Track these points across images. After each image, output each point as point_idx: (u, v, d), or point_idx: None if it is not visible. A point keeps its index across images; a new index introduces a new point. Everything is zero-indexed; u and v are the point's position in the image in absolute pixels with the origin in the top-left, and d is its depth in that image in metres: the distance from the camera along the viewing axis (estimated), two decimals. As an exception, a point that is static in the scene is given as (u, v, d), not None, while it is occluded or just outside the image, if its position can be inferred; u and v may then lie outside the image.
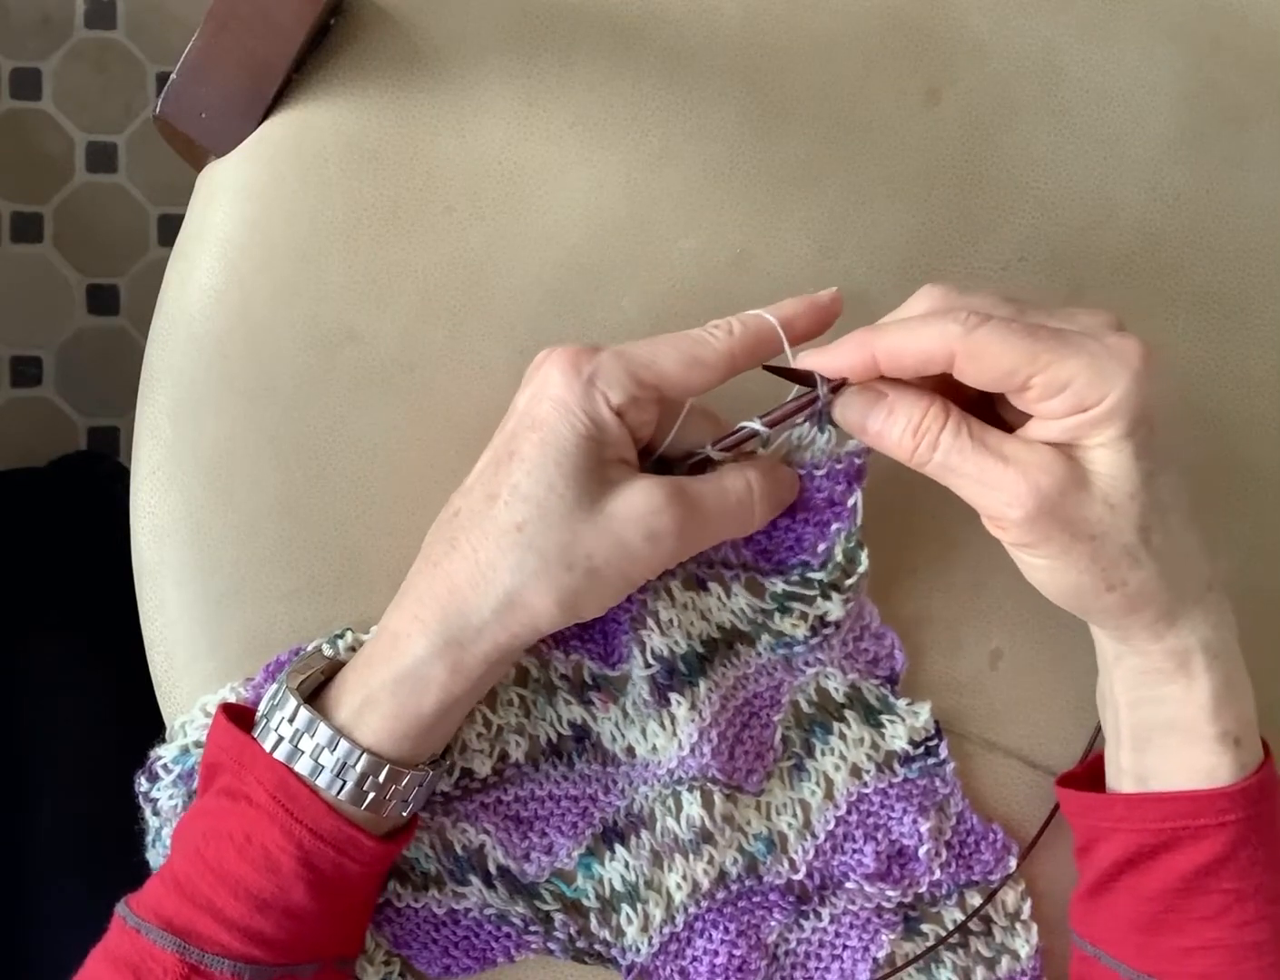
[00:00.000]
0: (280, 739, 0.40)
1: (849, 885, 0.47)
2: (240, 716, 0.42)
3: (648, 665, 0.44)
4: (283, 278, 0.47)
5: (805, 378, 0.41)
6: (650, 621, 0.44)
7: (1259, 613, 0.52)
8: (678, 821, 0.46)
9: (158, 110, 0.47)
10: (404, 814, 0.42)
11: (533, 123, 0.48)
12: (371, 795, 0.40)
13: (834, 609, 0.46)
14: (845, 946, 0.48)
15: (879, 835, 0.48)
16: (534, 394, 0.41)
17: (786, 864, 0.47)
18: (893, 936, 0.48)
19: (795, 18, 0.50)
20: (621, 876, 0.46)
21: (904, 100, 0.51)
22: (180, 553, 0.47)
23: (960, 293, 0.41)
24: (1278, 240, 0.53)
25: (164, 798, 0.46)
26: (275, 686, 0.42)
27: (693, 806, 0.45)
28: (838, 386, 0.41)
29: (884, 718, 0.48)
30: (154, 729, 0.47)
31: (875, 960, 0.48)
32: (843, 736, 0.48)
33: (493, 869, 0.46)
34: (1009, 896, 0.49)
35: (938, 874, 0.48)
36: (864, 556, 0.46)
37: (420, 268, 0.48)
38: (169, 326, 0.48)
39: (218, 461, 0.46)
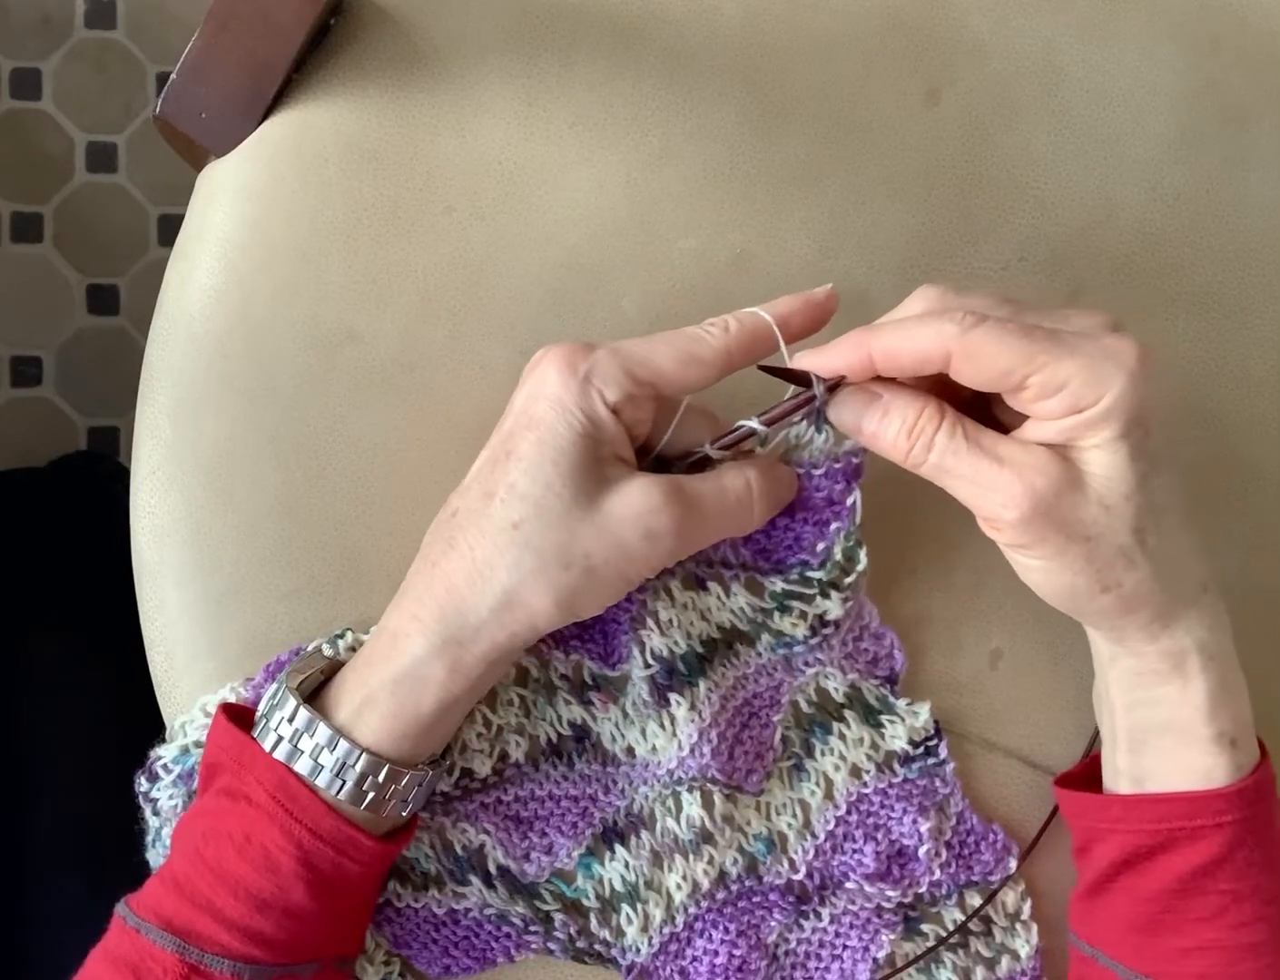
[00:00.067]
0: (280, 739, 0.40)
1: (849, 885, 0.47)
2: (240, 716, 0.42)
3: (647, 665, 0.44)
4: (283, 278, 0.47)
5: (802, 378, 0.41)
6: (650, 621, 0.44)
7: (1259, 613, 0.52)
8: (678, 822, 0.46)
9: (158, 110, 0.47)
10: (404, 814, 0.42)
11: (533, 123, 0.48)
12: (371, 795, 0.40)
13: (833, 608, 0.46)
14: (845, 946, 0.48)
15: (879, 835, 0.48)
16: (530, 393, 0.41)
17: (786, 864, 0.47)
18: (893, 936, 0.48)
19: (795, 18, 0.50)
20: (621, 876, 0.46)
21: (904, 100, 0.51)
22: (180, 553, 0.47)
23: (957, 293, 0.41)
24: (1278, 240, 0.53)
25: (164, 798, 0.46)
26: (275, 686, 0.42)
27: (693, 807, 0.45)
28: (834, 386, 0.41)
29: (884, 718, 0.48)
30: (154, 729, 0.47)
31: (875, 960, 0.48)
32: (842, 737, 0.48)
33: (493, 869, 0.46)
34: (1009, 897, 0.49)
35: (938, 874, 0.48)
36: (863, 555, 0.46)
37: (420, 268, 0.48)
38: (169, 326, 0.48)
39: (218, 461, 0.46)
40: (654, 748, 0.46)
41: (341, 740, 0.40)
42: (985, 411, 0.42)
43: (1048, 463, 0.39)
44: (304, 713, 0.40)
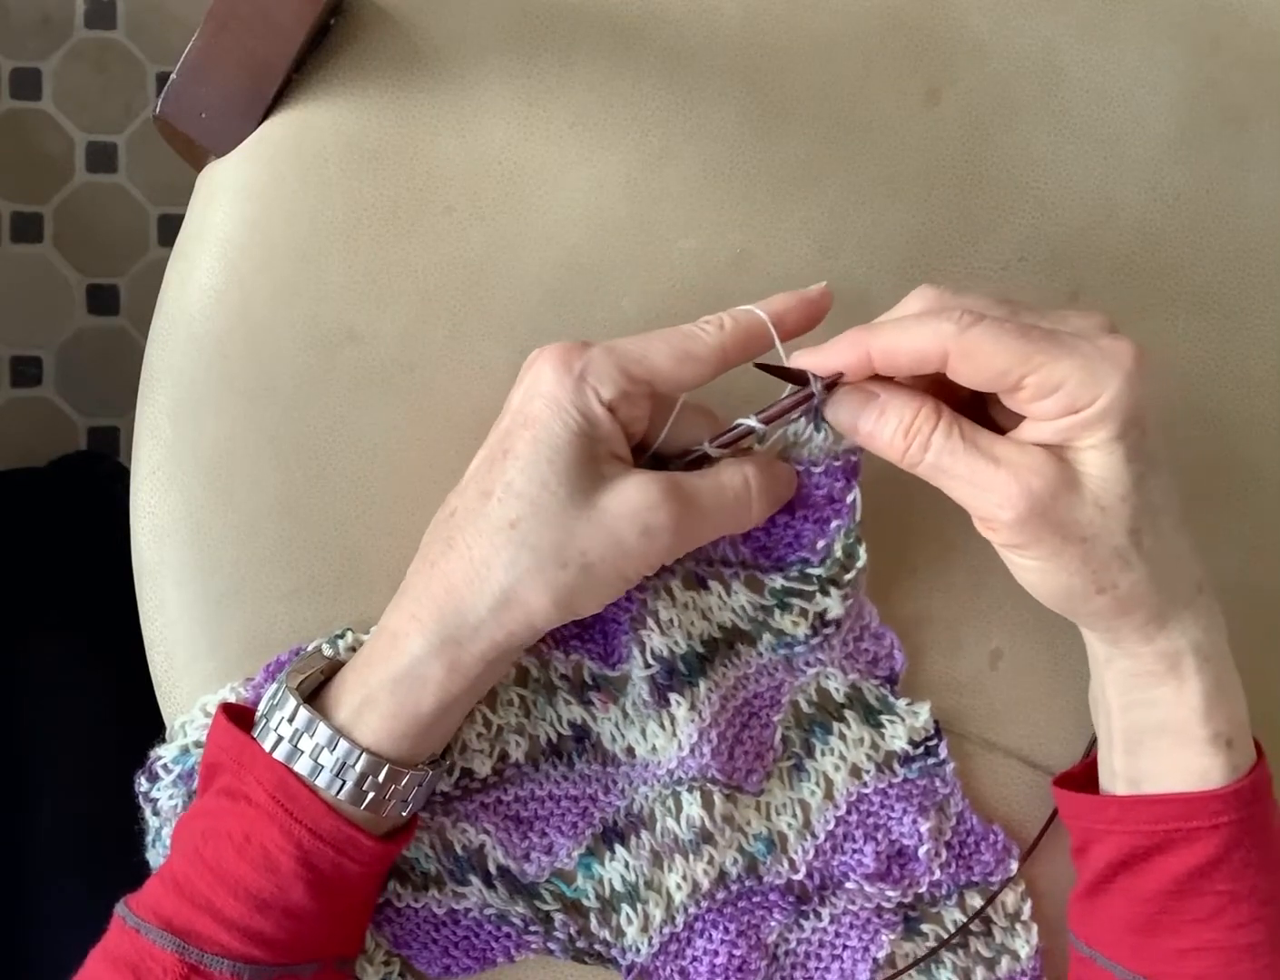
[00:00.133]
0: (280, 739, 0.40)
1: (849, 885, 0.47)
2: (240, 716, 0.42)
3: (647, 665, 0.44)
4: (283, 278, 0.47)
5: (799, 377, 0.41)
6: (650, 621, 0.44)
7: (1259, 613, 0.52)
8: (678, 822, 0.46)
9: (158, 110, 0.47)
10: (403, 814, 0.42)
11: (533, 123, 0.48)
12: (371, 795, 0.40)
13: (833, 605, 0.46)
14: (845, 946, 0.48)
15: (879, 835, 0.48)
16: (526, 392, 0.41)
17: (786, 864, 0.47)
18: (893, 937, 0.48)
19: (795, 18, 0.50)
20: (621, 876, 0.46)
21: (904, 100, 0.51)
22: (180, 553, 0.47)
23: (955, 293, 0.41)
24: (1278, 240, 0.53)
25: (164, 798, 0.46)
26: (275, 686, 0.42)
27: (693, 807, 0.45)
28: (831, 384, 0.41)
29: (884, 718, 0.48)
30: (154, 729, 0.47)
31: (875, 960, 0.48)
32: (842, 737, 0.48)
33: (493, 869, 0.46)
34: (1009, 897, 0.49)
35: (938, 874, 0.48)
36: (862, 551, 0.46)
37: (420, 268, 0.48)
38: (169, 326, 0.48)
39: (218, 461, 0.46)
40: (654, 748, 0.46)
41: (341, 740, 0.40)
42: (981, 412, 0.42)
43: (1044, 463, 0.39)
44: (304, 713, 0.40)
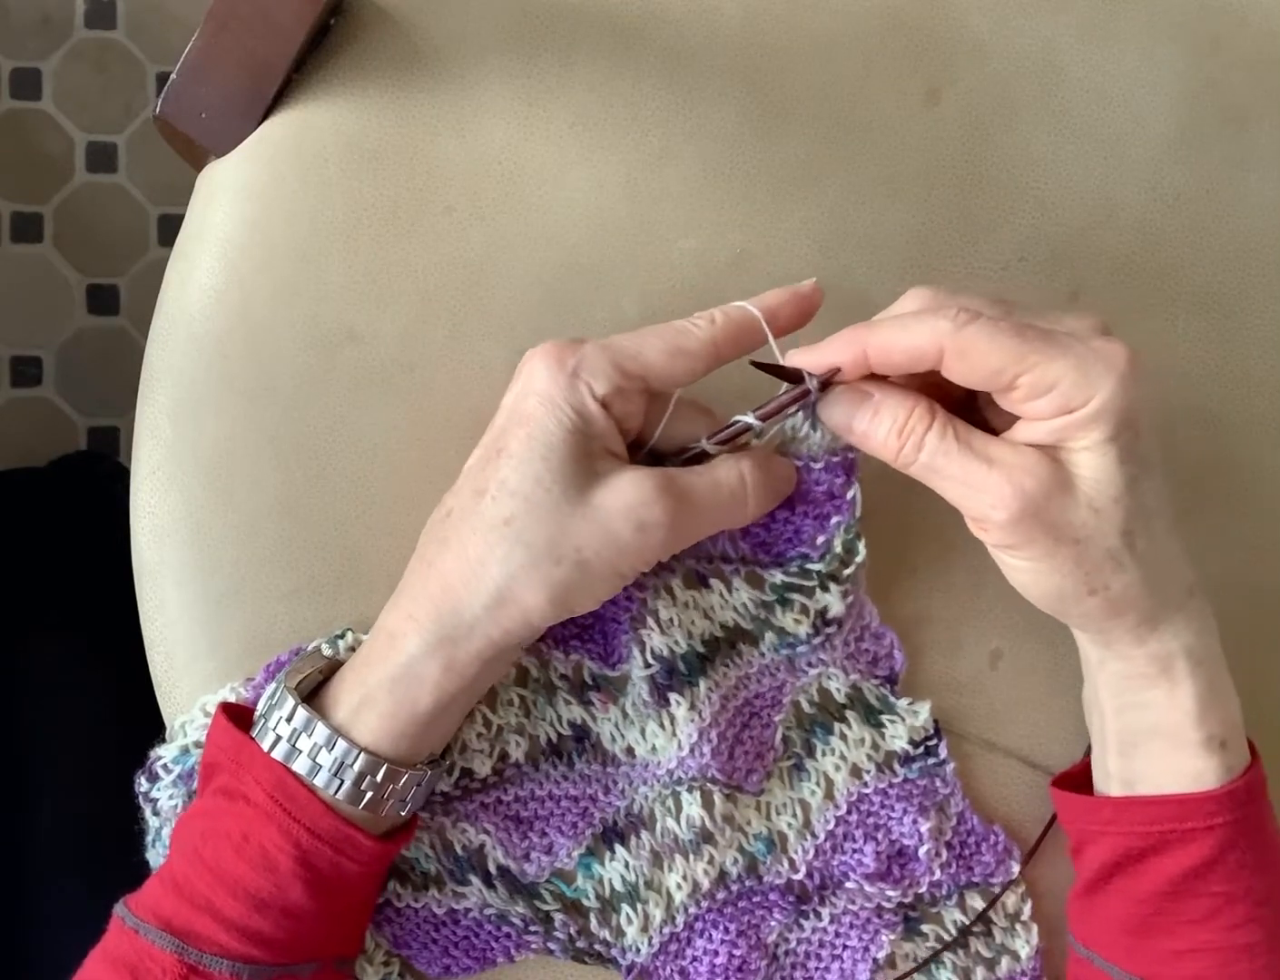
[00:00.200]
0: (278, 738, 0.40)
1: (849, 885, 0.47)
2: (240, 716, 0.42)
3: (647, 665, 0.44)
4: (283, 278, 0.47)
5: (795, 376, 0.41)
6: (650, 620, 0.44)
7: (1259, 613, 0.52)
8: (678, 822, 0.46)
9: (158, 110, 0.47)
10: (402, 813, 0.42)
11: (533, 123, 0.48)
12: (369, 794, 0.40)
13: (833, 602, 0.46)
14: (845, 946, 0.48)
15: (879, 835, 0.48)
16: (520, 390, 0.41)
17: (786, 864, 0.47)
18: (893, 937, 0.48)
19: (795, 18, 0.50)
20: (621, 876, 0.46)
21: (904, 100, 0.51)
22: (180, 553, 0.47)
23: (949, 294, 0.41)
24: (1278, 240, 0.53)
25: (164, 798, 0.46)
26: (273, 686, 0.42)
27: (693, 806, 0.45)
28: (827, 382, 0.41)
29: (884, 717, 0.48)
30: (154, 729, 0.47)
31: (875, 960, 0.48)
32: (843, 737, 0.48)
33: (493, 869, 0.46)
34: (1009, 897, 0.49)
35: (938, 874, 0.48)
36: (861, 547, 0.46)
37: (420, 268, 0.48)
38: (169, 326, 0.48)
39: (218, 461, 0.46)
40: (654, 748, 0.46)
41: (340, 740, 0.40)
42: (974, 414, 0.42)
43: (1037, 464, 0.39)
44: (302, 712, 0.40)
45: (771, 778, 0.47)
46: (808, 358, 0.41)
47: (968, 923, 0.48)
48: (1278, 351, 0.53)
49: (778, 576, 0.46)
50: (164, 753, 0.46)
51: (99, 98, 1.11)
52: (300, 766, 0.40)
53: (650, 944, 0.47)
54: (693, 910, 0.47)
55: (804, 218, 0.50)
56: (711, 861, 0.46)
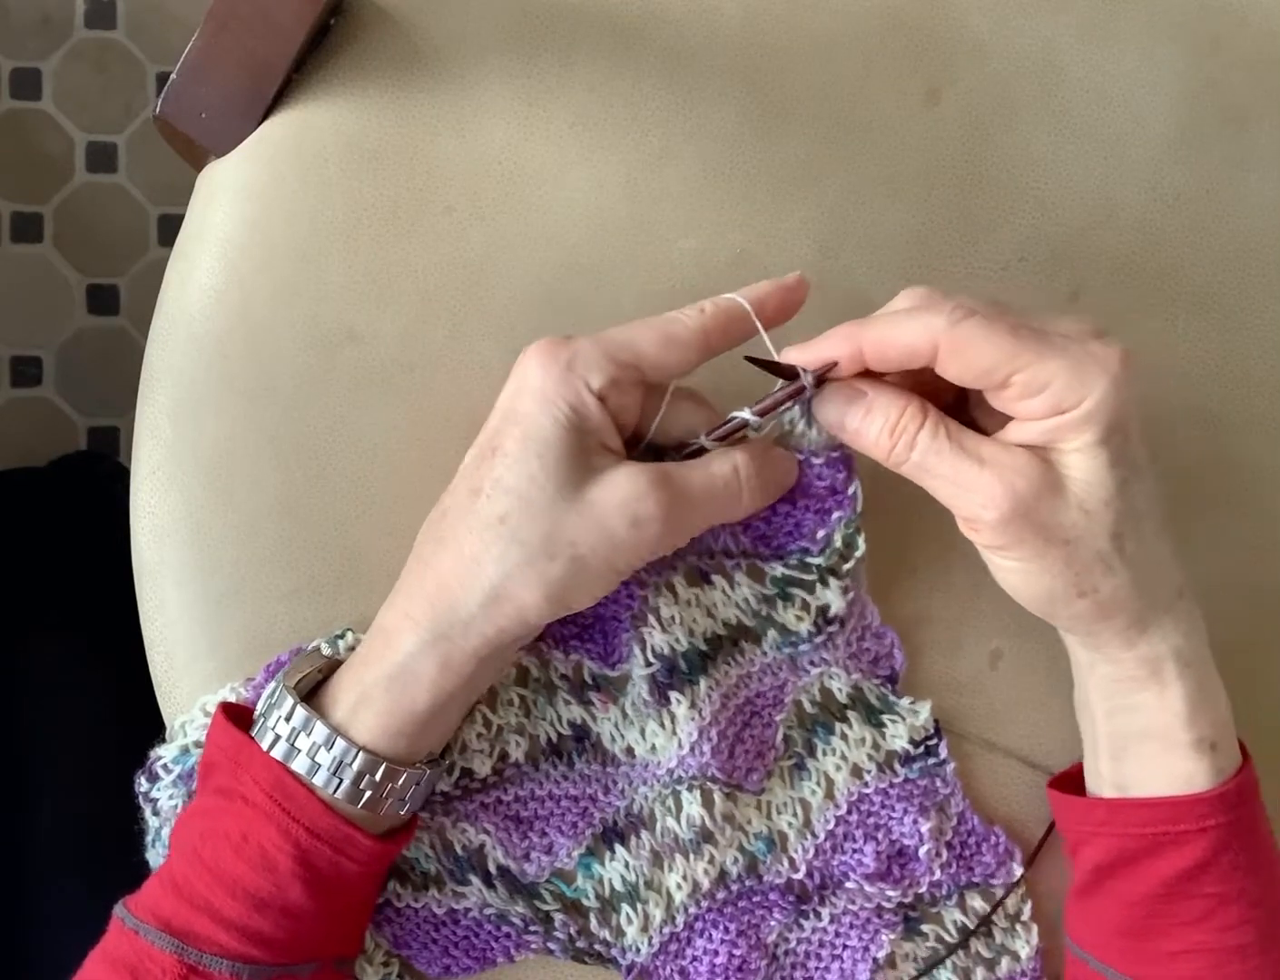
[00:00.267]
0: (277, 737, 0.40)
1: (849, 885, 0.47)
2: (240, 716, 0.42)
3: (648, 663, 0.44)
4: (283, 278, 0.47)
5: (790, 372, 0.41)
6: (651, 618, 0.44)
7: (1259, 613, 0.52)
8: (678, 821, 0.46)
9: (158, 110, 0.47)
10: (401, 813, 0.42)
11: (533, 123, 0.48)
12: (368, 793, 0.40)
13: (834, 599, 0.46)
14: (845, 946, 0.48)
15: (879, 835, 0.48)
16: (514, 388, 0.41)
17: (786, 863, 0.47)
18: (893, 936, 0.48)
19: (795, 18, 0.50)
20: (621, 876, 0.46)
21: (904, 100, 0.51)
22: (180, 553, 0.47)
23: (944, 294, 0.41)
24: (1278, 240, 0.53)
25: (164, 798, 0.46)
26: (273, 685, 0.42)
27: (693, 806, 0.45)
28: (822, 379, 0.41)
29: (885, 717, 0.48)
30: (154, 729, 0.47)
31: (875, 960, 0.48)
32: (844, 737, 0.48)
33: (493, 869, 0.46)
34: (1009, 898, 0.49)
35: (938, 874, 0.48)
36: (861, 541, 0.46)
37: (420, 268, 0.48)
38: (169, 326, 0.48)
39: (218, 461, 0.46)
40: (654, 747, 0.46)
41: (338, 739, 0.40)
42: (965, 417, 0.42)
43: (1028, 465, 0.39)
44: (301, 711, 0.40)
45: (772, 777, 0.47)
46: (803, 354, 0.41)
47: (970, 924, 0.48)
48: (1278, 351, 0.53)
49: (778, 569, 0.46)
50: (164, 753, 0.46)
51: (99, 98, 1.11)
52: (299, 766, 0.40)
53: (650, 944, 0.47)
54: (693, 910, 0.47)
55: (804, 218, 0.50)
56: (712, 861, 0.46)
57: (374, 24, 0.48)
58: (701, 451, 0.43)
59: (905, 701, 0.48)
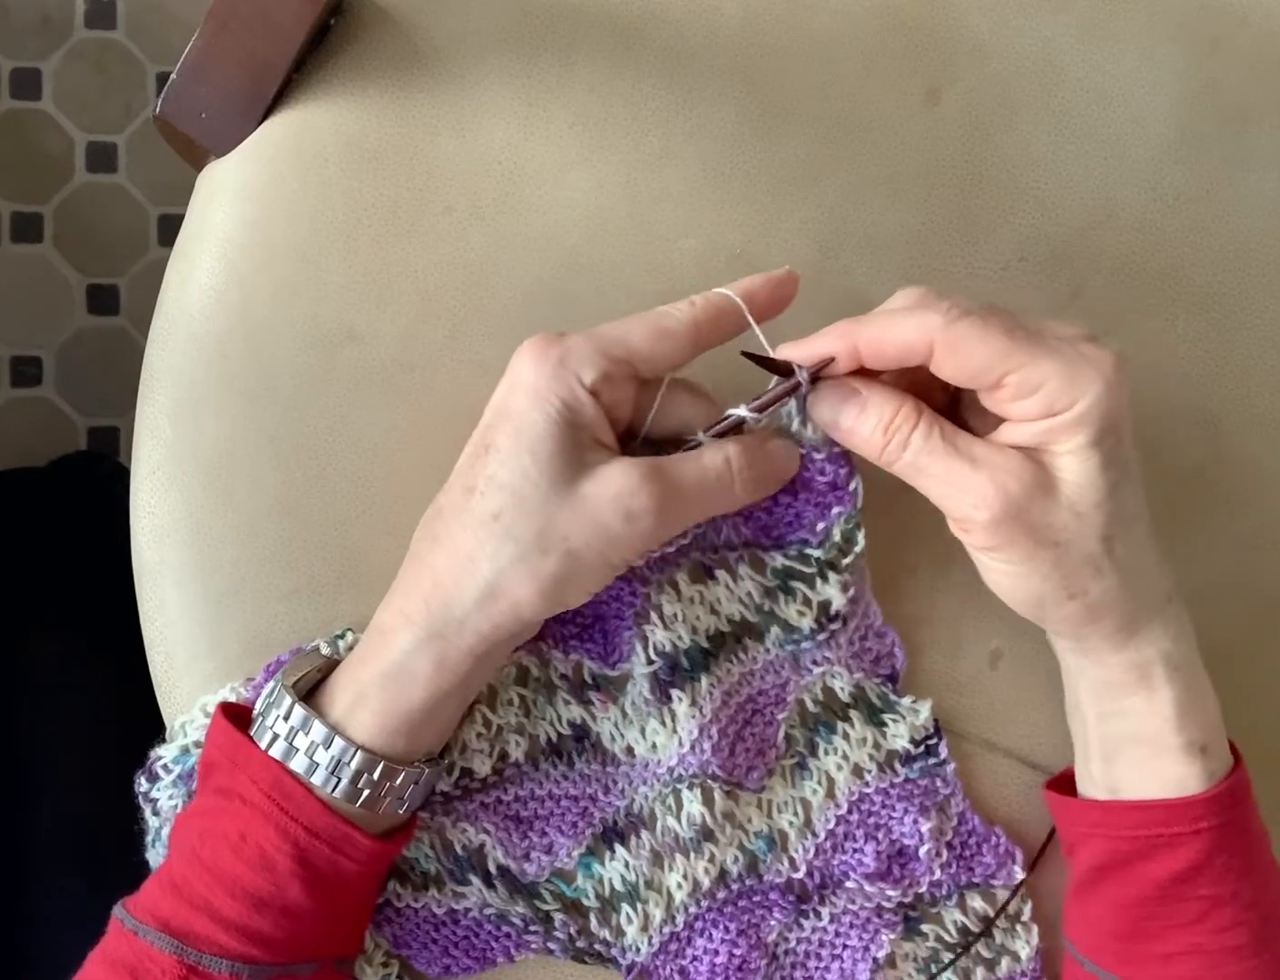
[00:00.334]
0: (276, 736, 0.40)
1: (849, 885, 0.47)
2: (239, 716, 0.42)
3: (650, 661, 0.44)
4: (283, 278, 0.47)
5: (786, 369, 0.42)
6: (654, 616, 0.44)
7: (1259, 613, 0.52)
8: (678, 820, 0.46)
9: (158, 110, 0.47)
10: (400, 812, 0.42)
11: (533, 123, 0.48)
12: (366, 792, 0.40)
13: (834, 595, 0.46)
14: (845, 946, 0.48)
15: (879, 835, 0.48)
16: (507, 386, 0.41)
17: (787, 862, 0.47)
18: (893, 936, 0.48)
19: (795, 18, 0.50)
20: (621, 876, 0.46)
21: (904, 100, 0.51)
22: (180, 553, 0.47)
23: (938, 295, 0.41)
24: (1278, 240, 0.53)
25: (164, 798, 0.46)
26: (271, 684, 0.42)
27: (693, 804, 0.45)
28: (817, 376, 0.41)
29: (886, 716, 0.48)
30: (154, 729, 0.47)
31: (875, 960, 0.48)
32: (846, 736, 0.48)
33: (493, 869, 0.46)
34: (1007, 896, 0.49)
35: (938, 874, 0.48)
36: (861, 537, 0.46)
37: (420, 268, 0.48)
38: (169, 326, 0.48)
39: (218, 461, 0.46)
40: (654, 745, 0.46)
41: (336, 737, 0.40)
42: (957, 419, 0.42)
43: (1020, 466, 0.39)
44: (299, 710, 0.40)
45: (773, 775, 0.47)
46: (799, 351, 0.41)
47: (970, 924, 0.48)
48: (1278, 351, 0.53)
49: (778, 560, 0.46)
50: (164, 753, 0.46)
51: (99, 98, 1.11)
52: (297, 765, 0.40)
53: (650, 943, 0.47)
54: (693, 909, 0.47)
55: (804, 218, 0.50)
56: (712, 859, 0.46)
57: (374, 24, 0.48)
58: (699, 448, 0.43)
59: (906, 701, 0.48)
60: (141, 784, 0.46)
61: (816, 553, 0.46)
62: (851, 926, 0.48)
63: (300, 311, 0.47)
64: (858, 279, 0.50)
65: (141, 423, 0.48)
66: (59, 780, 0.65)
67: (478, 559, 0.39)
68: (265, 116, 0.47)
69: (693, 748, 0.45)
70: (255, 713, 0.42)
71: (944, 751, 0.48)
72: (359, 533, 0.47)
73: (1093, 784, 0.44)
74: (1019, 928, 0.49)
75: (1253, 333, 0.53)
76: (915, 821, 0.47)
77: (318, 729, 0.40)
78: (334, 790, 0.40)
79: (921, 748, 0.48)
